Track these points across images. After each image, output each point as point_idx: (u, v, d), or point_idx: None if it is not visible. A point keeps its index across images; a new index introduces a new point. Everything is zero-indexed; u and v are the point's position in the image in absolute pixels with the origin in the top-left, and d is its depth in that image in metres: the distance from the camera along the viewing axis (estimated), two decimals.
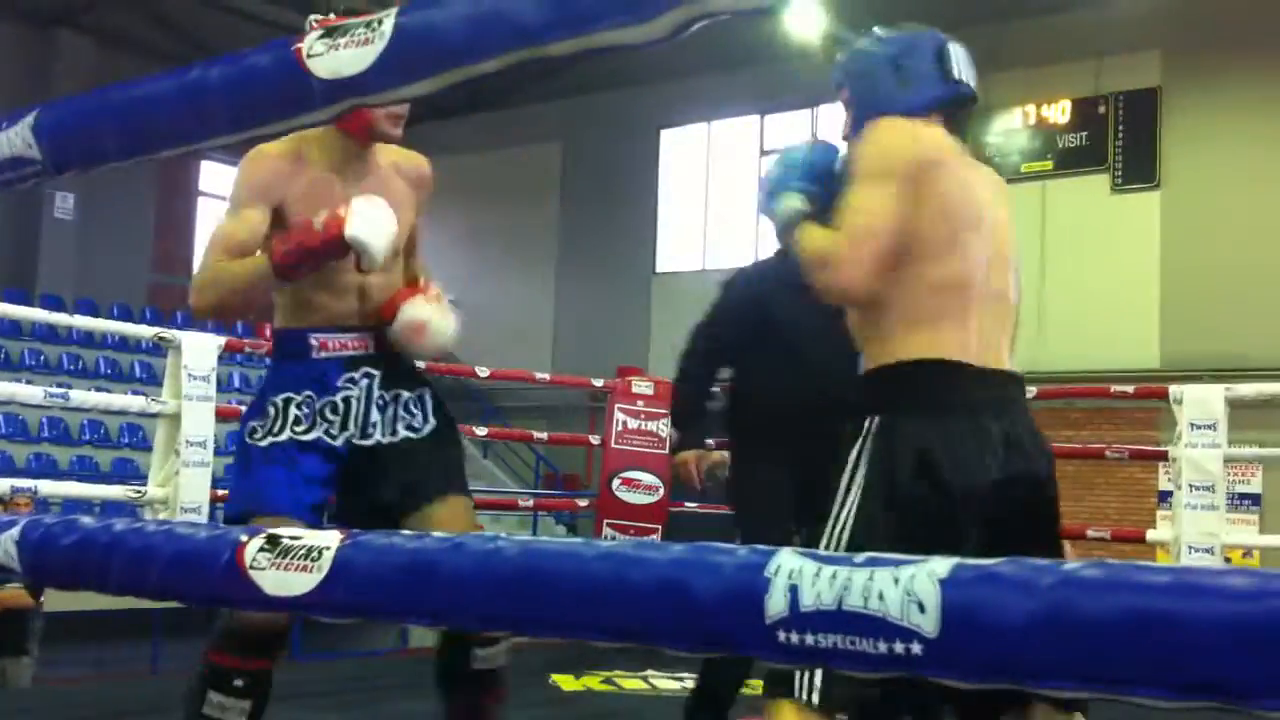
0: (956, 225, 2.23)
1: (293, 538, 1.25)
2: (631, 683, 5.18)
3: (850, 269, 2.16)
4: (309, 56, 1.31)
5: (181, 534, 1.33)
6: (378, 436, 2.62)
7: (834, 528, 2.16)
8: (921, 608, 0.92)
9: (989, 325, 2.26)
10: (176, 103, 1.43)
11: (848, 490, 2.17)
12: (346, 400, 2.61)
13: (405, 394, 2.68)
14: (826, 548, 2.12)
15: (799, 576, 0.98)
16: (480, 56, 1.22)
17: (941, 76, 2.38)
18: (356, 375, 2.63)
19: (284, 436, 2.57)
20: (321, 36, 1.31)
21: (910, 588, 0.93)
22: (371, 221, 2.42)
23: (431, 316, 2.69)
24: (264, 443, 2.57)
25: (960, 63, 2.40)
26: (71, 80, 13.34)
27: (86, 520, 1.48)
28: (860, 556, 0.99)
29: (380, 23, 1.27)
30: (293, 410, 2.59)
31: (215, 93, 1.38)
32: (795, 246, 2.30)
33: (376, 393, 2.64)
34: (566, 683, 5.17)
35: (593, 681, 5.23)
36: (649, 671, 5.24)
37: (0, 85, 13.81)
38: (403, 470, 2.60)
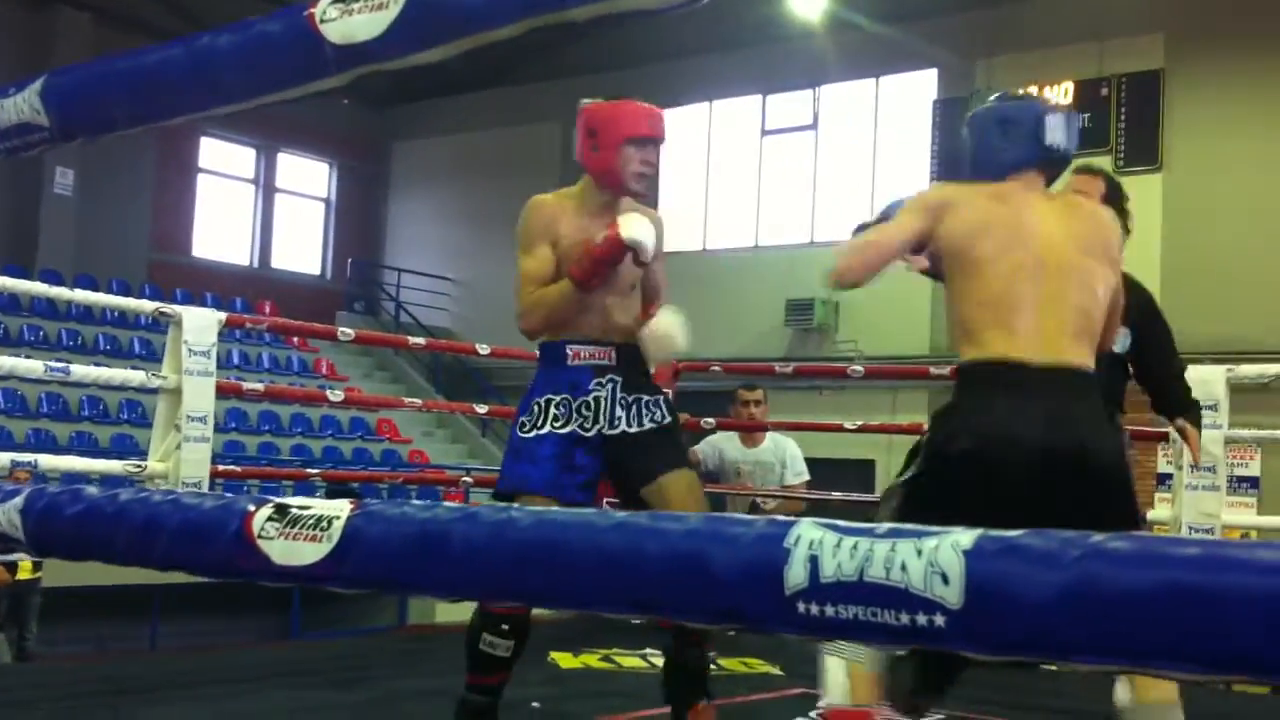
0: (987, 251, 2.68)
1: (302, 507, 1.24)
2: (630, 660, 5.17)
3: (844, 263, 2.80)
4: (322, 22, 1.29)
5: (188, 503, 1.32)
6: (623, 427, 3.28)
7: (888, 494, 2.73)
8: (945, 579, 0.91)
9: (1044, 326, 2.65)
10: (187, 70, 1.41)
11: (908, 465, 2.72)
12: (596, 399, 3.28)
13: (645, 396, 3.35)
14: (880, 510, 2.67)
15: (819, 547, 0.97)
16: (499, 22, 1.20)
17: (1036, 140, 2.84)
18: (603, 380, 3.29)
19: (545, 430, 3.24)
20: (334, 1, 1.29)
21: (933, 559, 0.92)
22: (639, 225, 3.15)
23: (672, 327, 3.38)
24: (530, 434, 3.25)
25: (1055, 129, 2.85)
26: (70, 58, 13.27)
27: (92, 490, 1.46)
28: (882, 527, 0.98)
29: None
30: (552, 409, 3.26)
31: (226, 60, 1.36)
32: None
33: (619, 394, 3.31)
34: (565, 660, 5.16)
35: (591, 659, 5.23)
36: (647, 649, 5.23)
37: None
38: (644, 452, 3.28)
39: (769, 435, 6.58)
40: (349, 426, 14.07)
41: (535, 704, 4.28)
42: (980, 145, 2.92)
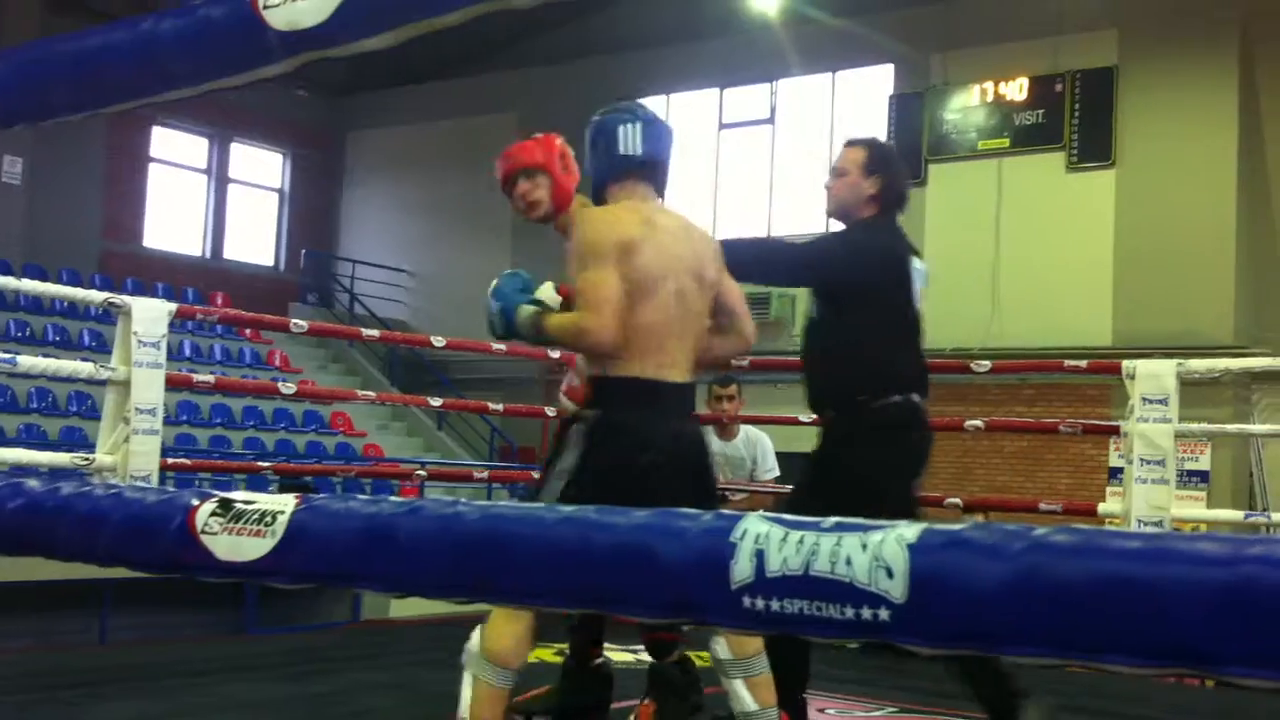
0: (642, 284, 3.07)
1: (246, 502, 1.22)
2: (621, 655, 5.16)
3: (600, 329, 3.04)
4: (265, 8, 1.27)
5: (131, 498, 1.29)
6: None
7: (549, 480, 3.08)
8: (890, 573, 0.91)
9: (677, 348, 3.14)
10: (129, 55, 1.38)
11: (566, 457, 3.08)
12: None
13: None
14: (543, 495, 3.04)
15: (765, 541, 0.97)
16: (445, 7, 1.18)
17: (612, 151, 3.25)
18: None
19: None
20: None
21: (878, 553, 0.92)
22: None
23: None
24: None
25: (627, 139, 3.23)
26: (18, 41, 13.07)
27: (32, 483, 1.43)
28: (828, 521, 0.97)
29: None
30: None
31: (169, 45, 1.33)
32: (543, 335, 3.24)
33: None
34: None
35: (546, 654, 5.21)
36: (607, 644, 5.22)
37: None
38: None
39: (743, 430, 6.62)
40: (303, 420, 13.97)
41: None
42: (590, 156, 3.29)
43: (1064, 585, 0.85)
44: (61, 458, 5.27)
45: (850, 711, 4.65)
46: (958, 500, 6.32)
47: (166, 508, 1.26)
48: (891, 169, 3.74)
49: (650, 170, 3.25)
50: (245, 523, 1.20)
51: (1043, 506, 6.06)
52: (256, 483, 9.34)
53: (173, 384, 5.07)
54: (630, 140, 3.21)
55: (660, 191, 3.30)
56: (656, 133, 3.25)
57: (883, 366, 3.58)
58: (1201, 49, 12.25)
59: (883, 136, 13.87)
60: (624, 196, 3.22)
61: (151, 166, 16.86)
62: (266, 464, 7.64)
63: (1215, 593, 0.81)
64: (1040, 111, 13.06)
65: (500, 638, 3.04)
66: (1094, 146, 12.70)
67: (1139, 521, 5.28)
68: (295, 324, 6.22)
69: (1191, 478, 11.31)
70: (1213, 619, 0.80)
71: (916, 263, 3.76)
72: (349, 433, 14.16)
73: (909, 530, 0.92)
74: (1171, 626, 0.81)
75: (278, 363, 14.88)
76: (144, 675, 5.01)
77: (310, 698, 4.59)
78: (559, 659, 5.18)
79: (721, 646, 3.28)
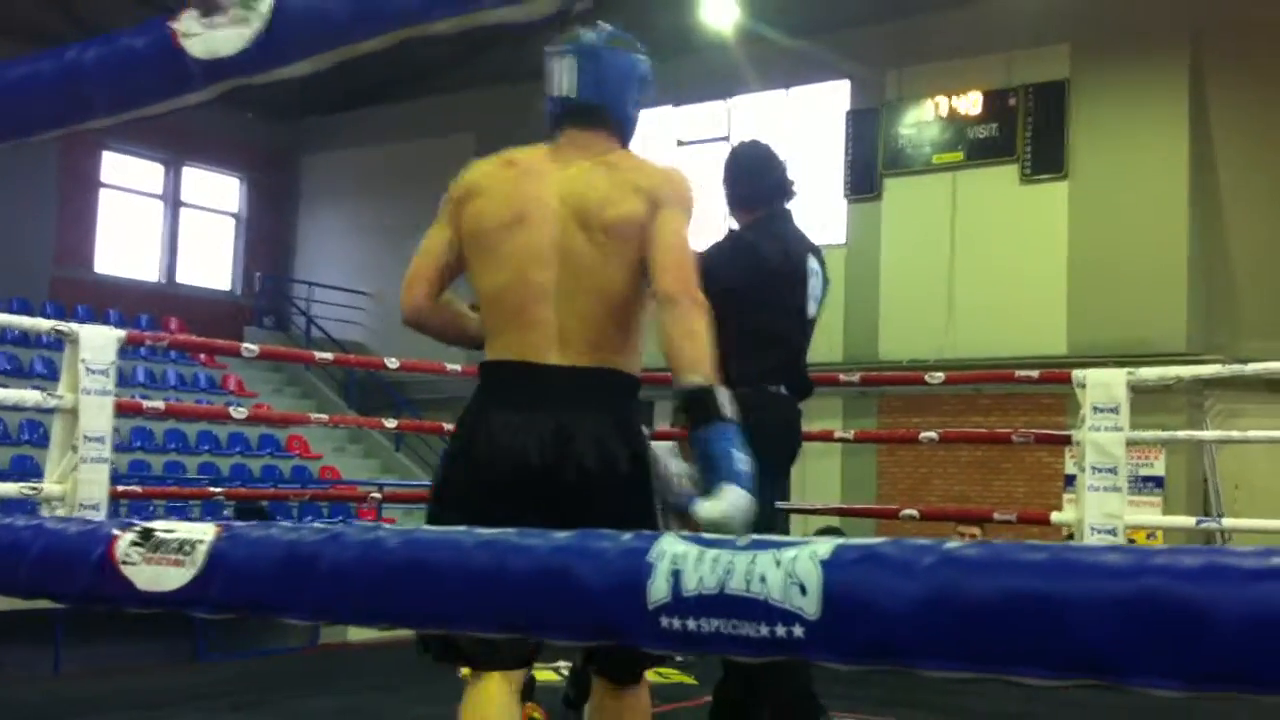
0: (485, 244, 2.58)
1: (166, 530, 1.21)
2: (543, 674, 5.15)
3: (405, 304, 2.72)
4: (184, 37, 1.27)
5: (51, 529, 1.28)
6: None
7: None
8: (803, 589, 0.91)
9: (548, 318, 2.51)
10: (52, 84, 1.38)
11: None
12: None
13: None
14: None
15: (682, 561, 0.97)
16: (362, 35, 1.19)
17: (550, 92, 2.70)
18: None
19: None
20: (197, 17, 1.27)
21: (791, 569, 0.92)
22: None
23: None
24: None
25: (555, 75, 2.70)
26: None
27: None
28: (743, 539, 0.98)
29: (258, 1, 1.23)
30: None
31: (92, 75, 1.33)
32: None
33: None
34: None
35: (549, 675, 5.20)
36: (560, 662, 5.21)
37: None
38: None
39: None
40: (258, 444, 13.86)
41: None
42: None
43: (972, 600, 0.85)
44: (10, 487, 5.21)
45: None
46: (914, 511, 6.34)
47: (88, 539, 1.24)
48: (743, 173, 3.84)
49: (590, 112, 2.67)
50: (165, 552, 1.19)
51: (997, 516, 6.09)
52: (211, 509, 9.25)
53: (123, 410, 5.02)
54: (563, 78, 2.68)
55: (622, 139, 2.76)
56: (597, 65, 2.68)
57: (746, 367, 3.47)
58: (1152, 63, 12.40)
59: (839, 152, 14.06)
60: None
61: (103, 192, 16.73)
62: (219, 490, 7.57)
63: (1119, 604, 0.81)
64: (994, 125, 13.18)
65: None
66: (1047, 159, 12.83)
67: (1092, 529, 5.32)
68: (246, 348, 6.19)
69: (1147, 484, 11.41)
70: (1117, 630, 0.81)
71: (813, 263, 3.81)
72: (305, 455, 14.07)
73: (822, 546, 0.93)
74: (1078, 638, 0.82)
75: (232, 387, 14.77)
76: (97, 707, 4.95)
77: None
78: (557, 676, 5.16)
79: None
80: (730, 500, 2.26)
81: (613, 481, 2.47)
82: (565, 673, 4.85)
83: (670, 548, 0.98)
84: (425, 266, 2.70)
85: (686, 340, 2.43)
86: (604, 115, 2.69)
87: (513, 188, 2.59)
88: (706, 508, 2.27)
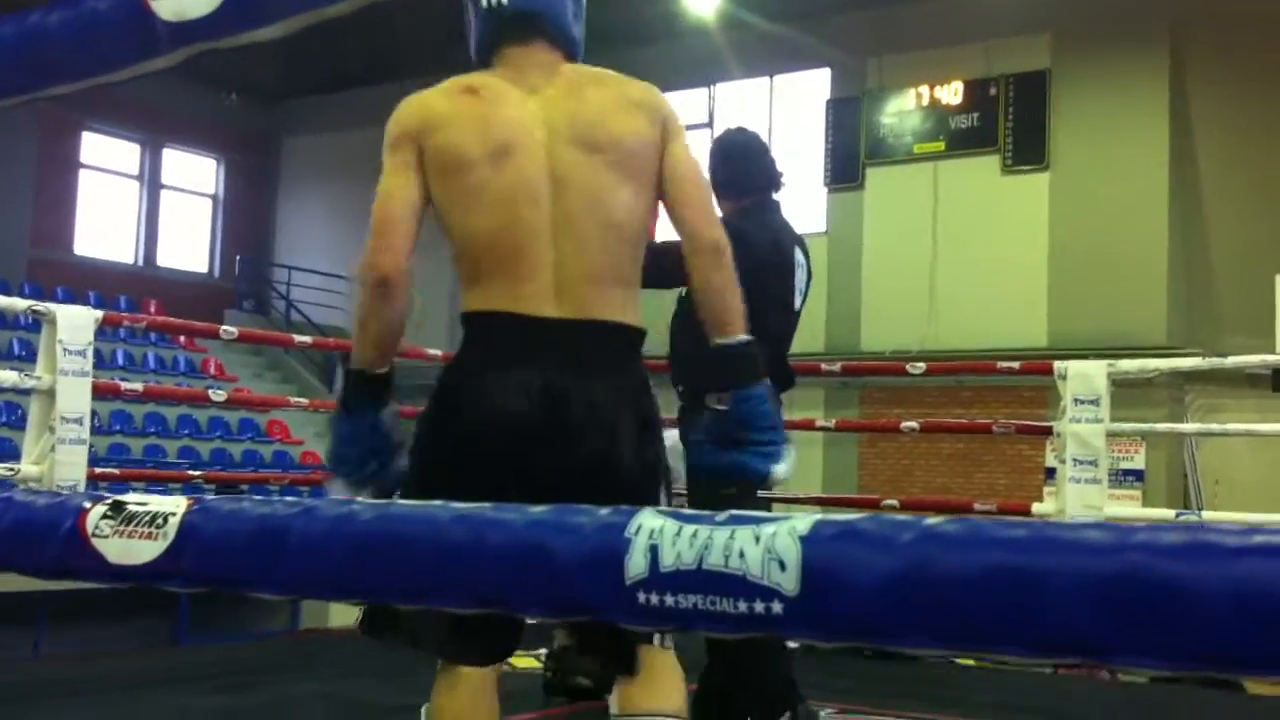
0: (464, 183, 2.20)
1: (139, 504, 1.19)
2: (525, 662, 5.14)
3: (381, 259, 2.20)
4: None
5: (20, 501, 1.26)
6: None
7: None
8: (782, 565, 0.90)
9: (546, 262, 2.17)
10: (15, 49, 1.35)
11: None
12: None
13: None
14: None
15: (660, 536, 0.95)
16: None
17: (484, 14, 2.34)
18: None
19: None
20: None
21: (771, 545, 0.91)
22: None
23: None
24: None
25: None
26: None
27: None
28: (722, 515, 0.96)
29: None
30: None
31: (56, 39, 1.31)
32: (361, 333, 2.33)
33: None
34: None
35: (531, 663, 5.17)
36: (541, 650, 5.19)
37: None
38: None
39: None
40: (238, 428, 13.80)
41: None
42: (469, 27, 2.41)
43: (951, 577, 0.84)
44: None
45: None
46: (895, 502, 6.35)
47: (57, 511, 1.23)
48: (731, 161, 3.75)
49: (529, 21, 2.31)
50: (137, 525, 1.17)
51: (977, 507, 6.10)
52: (189, 493, 9.19)
53: (101, 392, 4.99)
54: None
55: (569, 54, 2.37)
56: None
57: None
58: (1133, 53, 12.43)
59: (820, 140, 14.05)
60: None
61: (82, 173, 16.62)
62: (198, 473, 7.53)
63: (1099, 582, 0.80)
64: (975, 115, 13.19)
65: (442, 715, 2.46)
66: (1028, 149, 12.85)
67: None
68: (225, 330, 6.15)
69: (1127, 477, 11.46)
70: (1098, 609, 0.80)
71: (799, 255, 3.78)
72: (286, 440, 14.01)
73: (801, 522, 0.91)
74: (1058, 617, 0.81)
75: (212, 370, 14.70)
76: (77, 689, 4.93)
77: (243, 710, 4.53)
78: (501, 667, 5.14)
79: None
80: (793, 459, 2.26)
81: (619, 451, 2.18)
82: (544, 659, 4.83)
83: (648, 523, 0.97)
84: (397, 215, 2.21)
85: (729, 292, 2.21)
86: (543, 25, 2.30)
87: (487, 115, 2.22)
88: (783, 470, 2.24)
